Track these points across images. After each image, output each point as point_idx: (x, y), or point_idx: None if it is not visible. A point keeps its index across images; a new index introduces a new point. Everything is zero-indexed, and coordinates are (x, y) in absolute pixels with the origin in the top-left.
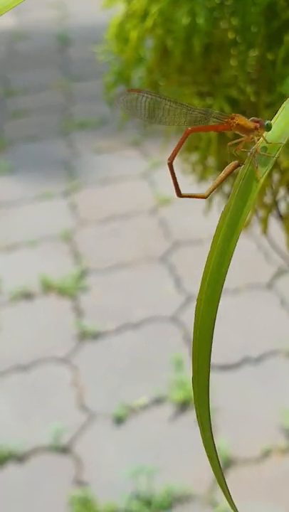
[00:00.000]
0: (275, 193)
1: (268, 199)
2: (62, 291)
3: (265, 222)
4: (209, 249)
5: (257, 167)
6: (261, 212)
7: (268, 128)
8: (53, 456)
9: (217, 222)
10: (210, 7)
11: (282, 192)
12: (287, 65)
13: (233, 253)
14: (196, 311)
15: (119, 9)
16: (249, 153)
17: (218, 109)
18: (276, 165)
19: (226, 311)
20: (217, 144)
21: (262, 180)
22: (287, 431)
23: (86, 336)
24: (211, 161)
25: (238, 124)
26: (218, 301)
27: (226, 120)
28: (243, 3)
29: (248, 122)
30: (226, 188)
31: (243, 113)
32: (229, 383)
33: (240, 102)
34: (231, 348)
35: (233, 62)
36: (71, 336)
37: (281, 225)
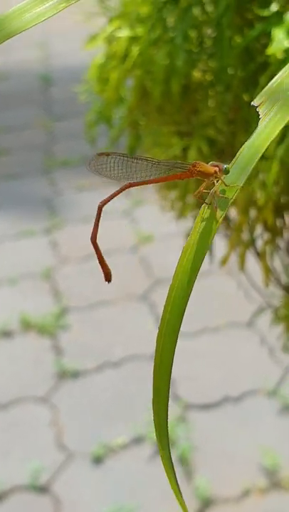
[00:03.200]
0: (252, 230)
1: (245, 236)
2: (42, 330)
3: (242, 259)
4: (170, 284)
5: (216, 208)
6: (239, 249)
7: (226, 172)
8: (31, 495)
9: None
10: (188, 49)
11: (259, 229)
12: None
13: (193, 286)
14: (156, 345)
15: (101, 50)
16: (209, 195)
17: (196, 148)
18: (253, 202)
19: (206, 349)
20: (194, 184)
21: (220, 220)
22: (266, 470)
23: (66, 375)
24: (190, 198)
25: (199, 171)
26: (177, 336)
27: (188, 168)
28: (221, 46)
29: (208, 168)
30: None
31: (222, 152)
32: (209, 422)
33: (217, 142)
34: (211, 387)
35: (210, 103)
36: (50, 375)
37: (260, 262)
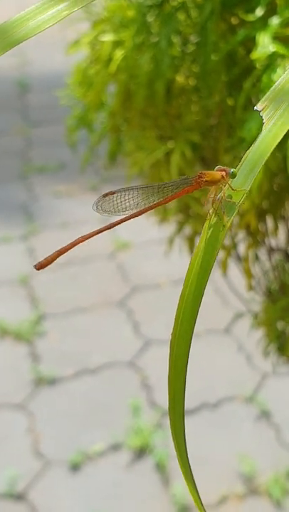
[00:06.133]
0: (234, 235)
1: (227, 241)
2: (19, 336)
3: (224, 264)
4: (182, 289)
5: (224, 213)
6: (221, 255)
7: (233, 176)
8: (8, 503)
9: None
10: (172, 54)
11: (240, 234)
12: (246, 111)
13: (203, 293)
14: (170, 349)
15: (81, 56)
16: (216, 201)
17: (179, 152)
18: None
19: None
20: None
21: (228, 225)
22: (244, 476)
23: (42, 382)
24: (172, 203)
25: (206, 181)
26: (191, 338)
27: (194, 181)
28: (205, 50)
29: (214, 175)
30: (187, 230)
31: (203, 158)
32: (186, 429)
33: (200, 146)
34: (189, 394)
35: (194, 107)
36: (27, 382)
37: (240, 267)
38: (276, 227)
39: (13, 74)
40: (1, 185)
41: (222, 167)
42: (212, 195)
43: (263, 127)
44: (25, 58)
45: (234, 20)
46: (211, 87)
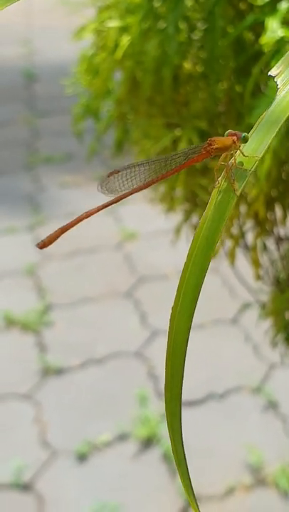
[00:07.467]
0: (242, 225)
1: (235, 230)
2: (26, 327)
3: (232, 254)
4: (185, 260)
5: (234, 180)
6: (228, 244)
7: (245, 140)
8: (14, 493)
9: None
10: (179, 40)
11: (248, 223)
12: (255, 97)
13: (209, 263)
14: (170, 321)
15: (88, 45)
16: (226, 167)
17: (186, 140)
18: (243, 196)
19: (191, 346)
20: (185, 175)
21: (238, 193)
22: (251, 467)
23: (49, 372)
24: (179, 191)
25: (216, 148)
26: (193, 314)
27: (203, 149)
28: (212, 36)
29: (225, 141)
30: (194, 219)
31: None
32: (194, 419)
33: (208, 134)
34: (196, 384)
35: (201, 94)
36: (34, 372)
37: (248, 257)
38: (285, 216)
39: (20, 64)
40: (8, 176)
41: (233, 131)
42: (222, 162)
43: (278, 92)
44: (32, 48)
45: (242, 6)
46: (219, 73)
